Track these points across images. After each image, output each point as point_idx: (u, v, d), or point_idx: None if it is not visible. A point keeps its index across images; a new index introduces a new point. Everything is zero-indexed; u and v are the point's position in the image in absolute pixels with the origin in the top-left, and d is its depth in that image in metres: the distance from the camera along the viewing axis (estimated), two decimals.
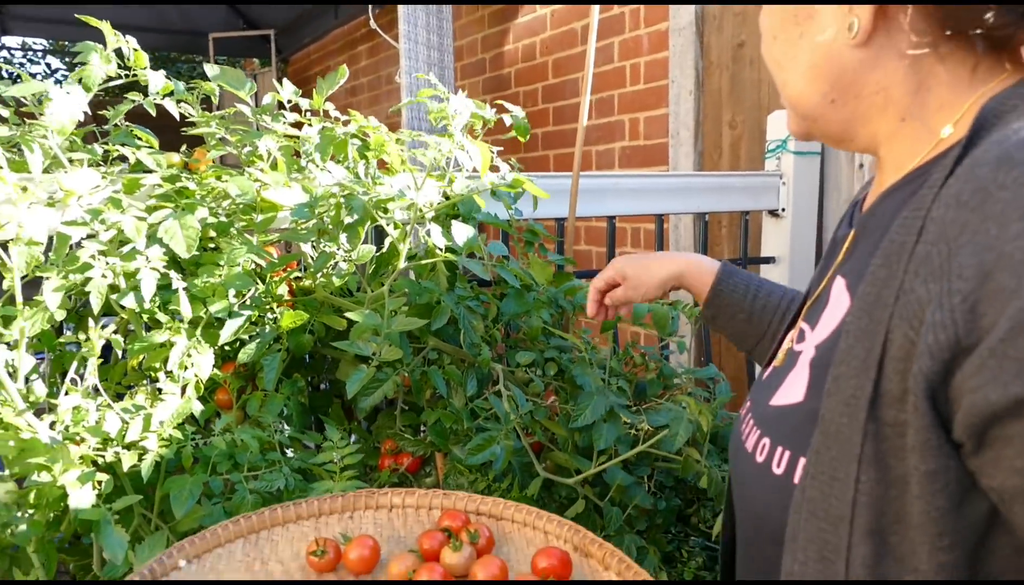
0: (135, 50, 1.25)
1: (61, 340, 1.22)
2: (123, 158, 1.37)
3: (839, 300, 0.67)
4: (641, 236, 2.98)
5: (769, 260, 2.13)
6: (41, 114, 1.22)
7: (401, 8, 3.26)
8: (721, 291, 1.05)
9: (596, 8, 1.70)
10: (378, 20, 4.11)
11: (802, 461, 0.62)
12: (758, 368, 1.21)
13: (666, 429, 1.25)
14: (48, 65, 11.02)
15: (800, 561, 0.59)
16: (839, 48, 0.64)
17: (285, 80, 1.37)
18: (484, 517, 0.92)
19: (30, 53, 10.72)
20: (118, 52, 1.26)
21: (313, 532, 0.90)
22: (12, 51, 10.77)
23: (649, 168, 2.95)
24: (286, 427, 1.23)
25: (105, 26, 1.21)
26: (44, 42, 10.18)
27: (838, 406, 0.57)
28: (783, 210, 2.09)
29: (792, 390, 0.69)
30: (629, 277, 1.12)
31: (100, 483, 0.98)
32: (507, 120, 1.42)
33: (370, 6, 3.99)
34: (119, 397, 1.23)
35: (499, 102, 1.43)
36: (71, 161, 1.25)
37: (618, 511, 1.24)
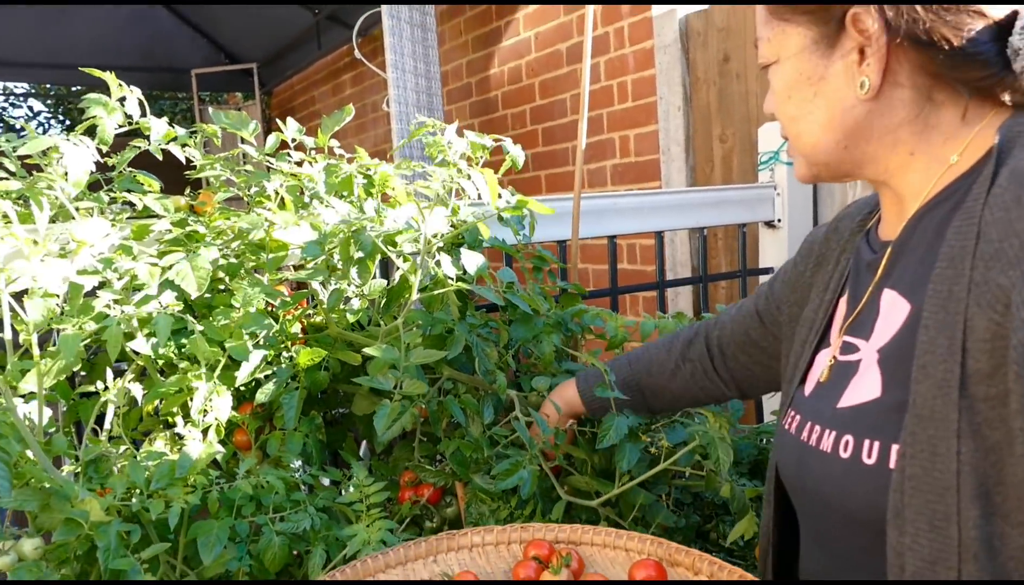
0: (140, 99, 1.26)
1: (76, 390, 1.22)
2: (128, 203, 1.37)
3: (893, 307, 0.76)
4: (638, 252, 3.00)
5: (767, 271, 2.15)
6: (47, 166, 1.22)
7: (387, 38, 3.29)
8: (594, 408, 1.26)
9: (590, 20, 1.72)
10: (362, 49, 4.14)
11: (895, 447, 0.69)
12: None
13: (684, 446, 1.25)
14: (31, 108, 11.00)
15: (910, 533, 0.66)
16: (852, 104, 0.75)
17: (289, 119, 1.38)
18: (564, 544, 0.97)
19: (12, 97, 10.70)
20: (120, 99, 1.26)
21: (403, 578, 0.94)
22: None
23: (642, 184, 2.98)
24: (306, 466, 1.23)
25: (110, 77, 1.22)
26: (25, 85, 10.17)
27: (929, 390, 0.66)
28: (779, 221, 2.11)
29: (864, 390, 0.76)
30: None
31: (128, 533, 0.98)
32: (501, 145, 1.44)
33: (354, 36, 4.02)
34: (135, 444, 1.22)
35: (495, 137, 1.45)
36: (78, 210, 1.26)
37: (641, 530, 1.24)
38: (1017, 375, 0.60)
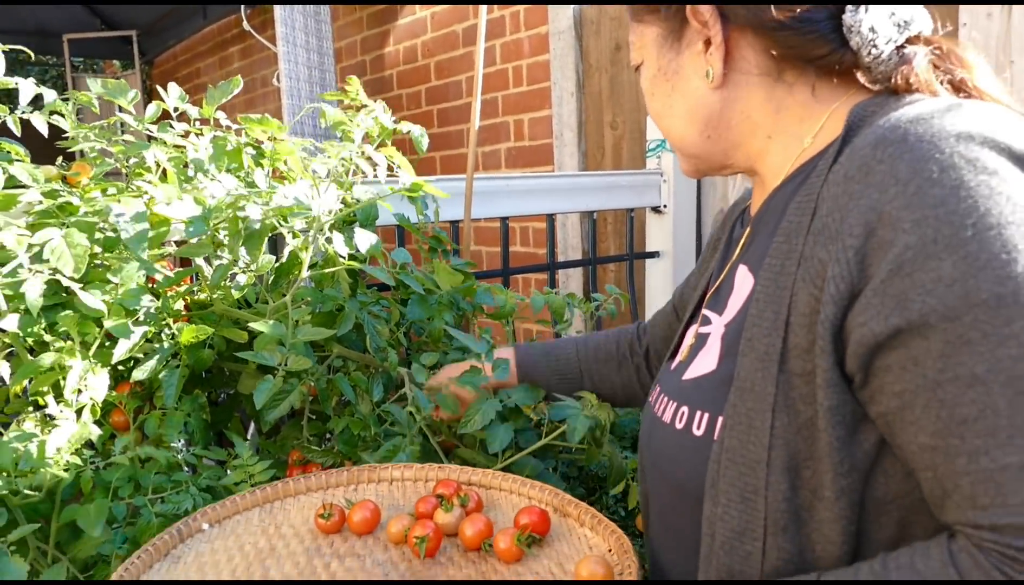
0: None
1: None
2: None
3: (744, 283, 0.76)
4: (531, 235, 3.05)
5: (654, 255, 2.23)
6: None
7: (277, 10, 3.19)
8: (526, 376, 1.29)
9: (484, 9, 1.73)
10: (251, 21, 4.00)
11: (720, 419, 0.71)
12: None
13: (566, 423, 1.29)
14: None
15: (722, 504, 0.68)
16: (704, 93, 0.77)
17: (171, 84, 1.33)
18: (475, 487, 1.03)
19: None
20: None
21: (321, 501, 1.02)
22: None
23: (535, 168, 3.02)
24: (188, 446, 1.20)
25: None
26: None
27: (752, 363, 0.67)
28: (665, 206, 2.19)
29: (704, 363, 0.78)
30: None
31: None
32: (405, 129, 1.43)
33: (242, 7, 3.88)
34: (4, 426, 1.16)
35: (404, 122, 1.44)
36: None
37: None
38: (821, 350, 0.61)
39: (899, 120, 0.62)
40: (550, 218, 2.01)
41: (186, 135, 1.35)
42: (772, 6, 0.70)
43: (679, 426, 0.77)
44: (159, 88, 1.33)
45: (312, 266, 1.27)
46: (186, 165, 1.33)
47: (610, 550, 0.85)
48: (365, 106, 1.36)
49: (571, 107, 2.83)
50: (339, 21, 4.01)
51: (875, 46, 0.69)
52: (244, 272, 1.24)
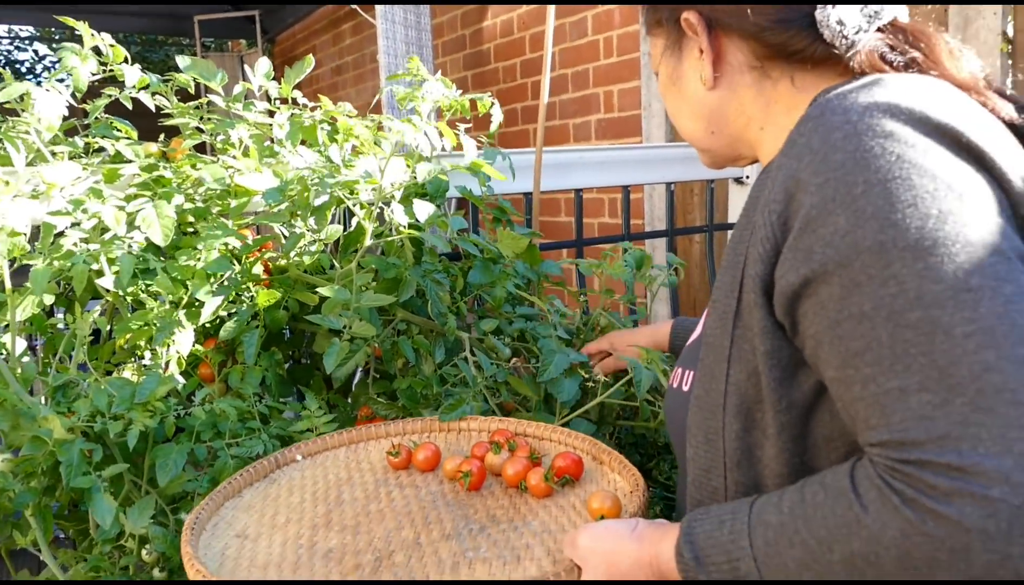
0: (112, 46, 1.31)
1: (51, 321, 1.30)
2: (103, 149, 1.44)
3: None
4: (618, 205, 3.06)
5: (733, 226, 2.21)
6: (23, 111, 1.29)
7: None
8: (676, 348, 1.34)
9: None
10: None
11: (693, 373, 0.80)
12: None
13: (623, 381, 1.33)
14: (36, 52, 10.98)
15: (694, 446, 0.77)
16: (703, 94, 0.85)
17: (258, 62, 1.43)
18: (529, 438, 1.16)
19: (17, 41, 10.67)
20: (96, 49, 1.32)
21: (399, 443, 1.15)
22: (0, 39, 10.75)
23: (624, 139, 3.02)
24: (266, 397, 1.32)
25: (83, 26, 1.28)
26: (31, 29, 10.14)
27: (715, 321, 0.76)
28: (747, 177, 2.16)
29: (699, 329, 0.89)
30: (617, 349, 1.38)
31: (91, 452, 1.07)
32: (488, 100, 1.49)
33: None
34: (109, 374, 1.31)
35: (476, 97, 1.50)
36: (53, 154, 1.33)
37: None
38: (754, 303, 0.69)
39: (824, 98, 0.70)
40: (626, 190, 2.03)
41: (272, 114, 1.46)
42: (751, 11, 0.78)
43: (675, 385, 0.87)
44: (246, 67, 1.43)
45: (379, 235, 1.36)
46: (271, 140, 1.44)
47: (630, 491, 0.95)
48: (437, 83, 1.42)
49: None
50: None
51: (845, 37, 0.75)
52: (315, 241, 1.34)
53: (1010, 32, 1.80)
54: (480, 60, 3.84)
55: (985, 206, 0.62)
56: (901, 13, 0.78)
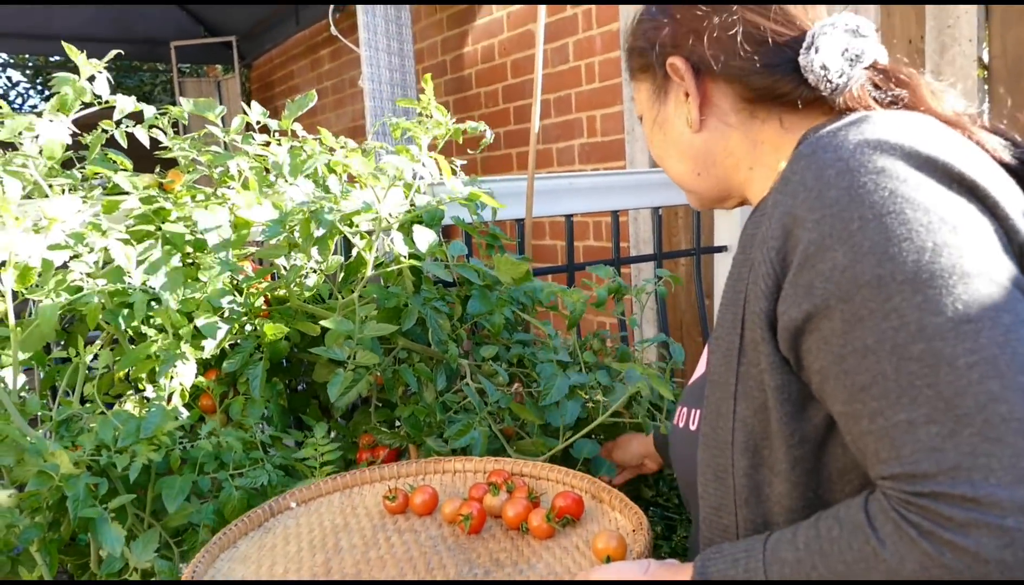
0: (108, 79, 1.32)
1: (50, 357, 1.29)
2: (99, 182, 1.44)
3: None
4: (603, 228, 3.09)
5: (721, 249, 2.24)
6: (20, 145, 1.29)
7: (360, 15, 3.34)
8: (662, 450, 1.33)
9: (542, 16, 1.79)
10: (338, 25, 4.17)
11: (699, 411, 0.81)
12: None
13: (622, 399, 1.35)
14: (9, 78, 10.87)
15: (703, 483, 0.78)
16: (689, 137, 0.87)
17: (253, 103, 1.45)
18: (526, 477, 1.15)
19: None
20: (91, 78, 1.33)
21: (395, 487, 1.13)
22: None
23: (607, 164, 3.06)
24: (267, 428, 1.32)
25: (82, 57, 1.29)
26: (3, 56, 10.05)
27: (719, 360, 0.77)
28: None
29: (701, 367, 0.89)
30: (616, 461, 1.41)
31: (96, 486, 1.06)
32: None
33: (330, 11, 4.05)
34: (108, 407, 1.31)
35: (464, 120, 1.52)
36: (51, 186, 1.33)
37: None
38: (761, 339, 0.70)
39: (815, 136, 0.72)
40: (615, 214, 2.06)
41: (267, 145, 1.47)
42: (737, 59, 0.80)
43: (680, 425, 0.88)
44: (242, 103, 1.45)
45: (378, 265, 1.37)
46: (267, 170, 1.45)
47: (633, 530, 0.93)
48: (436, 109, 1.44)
49: None
50: (420, 23, 4.14)
51: (829, 81, 0.77)
52: (316, 271, 1.35)
53: (985, 58, 1.86)
54: (462, 86, 3.88)
55: (979, 236, 0.63)
56: (881, 55, 0.81)
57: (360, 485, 1.18)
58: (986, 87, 1.87)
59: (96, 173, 1.40)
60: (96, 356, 1.19)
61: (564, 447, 1.35)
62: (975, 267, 0.61)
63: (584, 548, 0.94)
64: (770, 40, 0.80)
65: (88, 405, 1.26)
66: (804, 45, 0.78)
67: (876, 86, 0.78)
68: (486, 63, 3.71)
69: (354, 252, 1.41)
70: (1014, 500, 0.54)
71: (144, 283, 1.18)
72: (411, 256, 1.34)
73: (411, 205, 1.44)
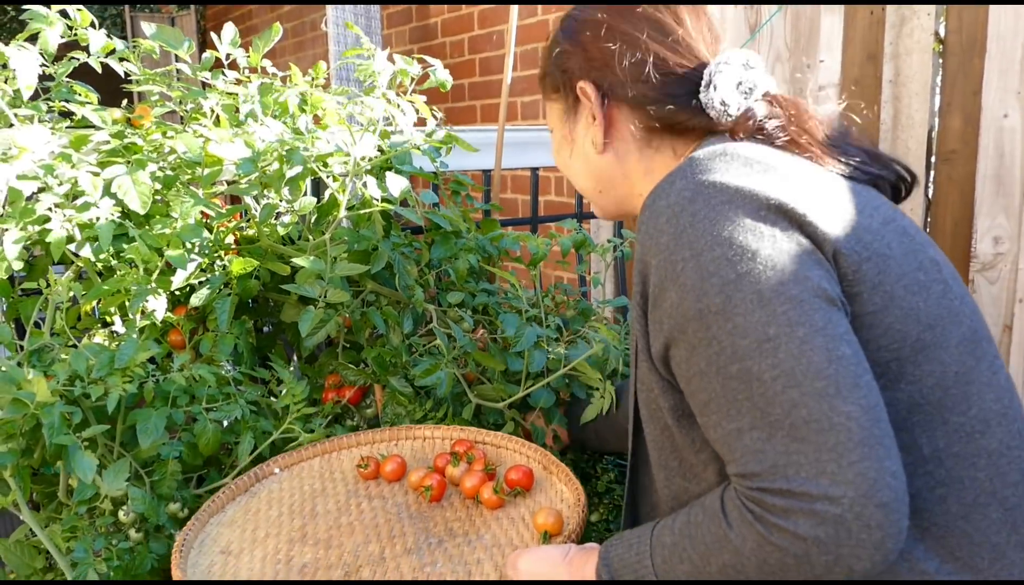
0: (79, 10, 1.30)
1: (15, 289, 1.29)
2: (65, 114, 1.42)
3: None
4: (564, 185, 3.12)
5: None
6: None
7: None
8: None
9: None
10: None
11: None
12: None
13: (586, 354, 1.40)
14: None
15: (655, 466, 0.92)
16: (594, 157, 0.95)
17: (226, 26, 1.43)
18: (488, 446, 1.24)
19: None
20: (63, 12, 1.31)
21: (369, 453, 1.24)
22: None
23: None
24: (233, 369, 1.34)
25: None
26: None
27: (633, 384, 0.90)
28: None
29: None
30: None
31: (70, 415, 1.08)
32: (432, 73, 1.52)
33: None
34: (77, 340, 1.31)
35: (422, 57, 1.53)
36: (17, 117, 1.31)
37: (542, 430, 1.39)
38: (649, 369, 0.83)
39: (657, 185, 0.82)
40: None
41: (237, 82, 1.46)
42: (641, 86, 0.88)
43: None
44: (213, 34, 1.43)
45: (350, 208, 1.38)
46: (237, 110, 1.45)
47: (574, 503, 1.04)
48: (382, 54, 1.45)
49: None
50: None
51: (729, 115, 0.87)
52: (288, 212, 1.36)
53: (942, 32, 1.92)
54: (427, 34, 3.83)
55: (780, 259, 0.72)
56: (771, 85, 0.89)
57: (338, 450, 1.27)
58: (940, 61, 1.93)
59: (63, 106, 1.38)
60: (66, 288, 1.19)
61: (525, 394, 1.39)
62: (771, 289, 0.70)
63: (528, 519, 1.05)
64: (673, 72, 0.88)
65: (56, 337, 1.26)
66: (703, 83, 0.87)
67: (767, 116, 0.87)
68: (452, 12, 3.67)
69: (326, 194, 1.42)
70: (819, 488, 0.65)
71: (112, 214, 1.18)
72: (383, 201, 1.36)
73: (380, 150, 1.45)
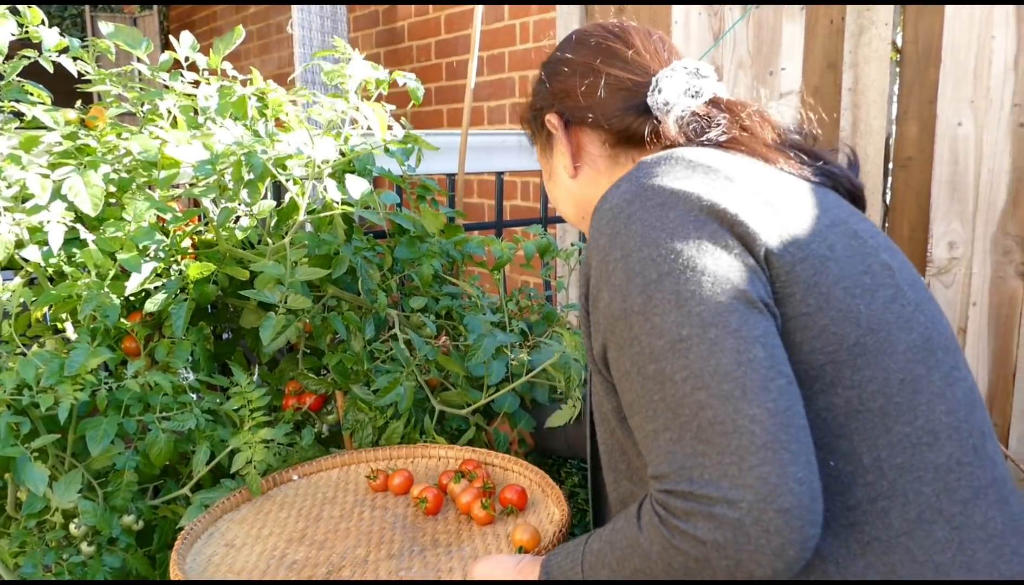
0: (30, 8, 1.27)
1: None
2: (15, 114, 1.38)
3: None
4: (531, 190, 3.12)
5: None
6: None
7: None
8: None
9: None
10: None
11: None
12: None
13: (548, 361, 1.39)
14: None
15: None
16: (569, 184, 0.98)
17: (184, 33, 1.41)
18: (495, 467, 1.27)
19: None
20: (13, 9, 1.27)
21: (383, 468, 1.27)
22: None
23: None
24: (190, 376, 1.31)
25: None
26: None
27: (590, 389, 0.91)
28: None
29: None
30: None
31: (17, 426, 1.04)
32: (400, 80, 1.51)
33: None
34: (26, 347, 1.27)
35: (394, 71, 1.51)
36: None
37: (505, 436, 1.39)
38: (596, 372, 0.82)
39: (613, 184, 0.82)
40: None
41: (196, 84, 1.43)
42: (595, 106, 0.92)
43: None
44: (172, 38, 1.41)
45: (310, 212, 1.37)
46: (195, 112, 1.42)
47: (553, 523, 1.08)
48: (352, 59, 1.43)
49: None
50: None
51: (670, 113, 0.88)
52: (247, 215, 1.33)
53: (899, 42, 1.96)
54: (394, 38, 3.81)
55: (702, 261, 0.72)
56: (720, 90, 0.91)
57: (356, 463, 1.31)
58: (898, 70, 1.97)
59: (12, 106, 1.34)
60: (12, 293, 1.16)
61: (488, 400, 1.38)
62: (689, 291, 0.70)
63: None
64: (624, 86, 0.91)
65: (5, 345, 1.23)
66: (650, 88, 0.89)
67: (709, 121, 0.88)
68: (420, 16, 3.66)
69: (286, 198, 1.40)
70: (719, 491, 0.64)
71: (63, 215, 1.15)
72: (343, 204, 1.34)
73: (341, 153, 1.43)
